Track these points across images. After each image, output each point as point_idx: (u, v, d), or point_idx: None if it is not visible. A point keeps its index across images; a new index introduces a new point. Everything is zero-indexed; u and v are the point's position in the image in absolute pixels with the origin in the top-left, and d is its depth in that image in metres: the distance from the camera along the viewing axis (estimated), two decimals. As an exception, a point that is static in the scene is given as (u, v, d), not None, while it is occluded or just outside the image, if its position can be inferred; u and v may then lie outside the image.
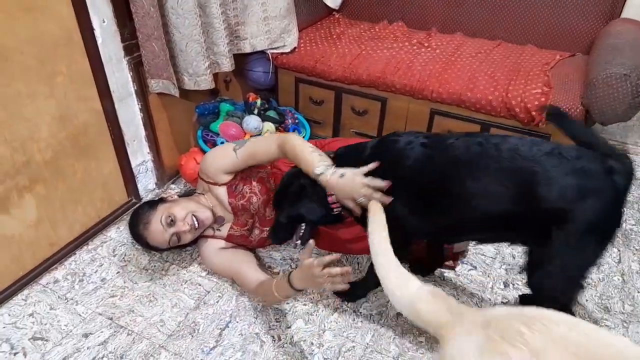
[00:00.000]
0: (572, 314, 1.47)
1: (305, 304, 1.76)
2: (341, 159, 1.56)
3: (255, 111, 2.51)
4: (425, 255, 1.86)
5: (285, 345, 1.61)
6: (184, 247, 1.92)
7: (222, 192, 1.82)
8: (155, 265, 1.91)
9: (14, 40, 1.58)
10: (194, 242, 1.87)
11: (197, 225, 1.74)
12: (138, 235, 1.77)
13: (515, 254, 1.98)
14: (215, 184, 1.83)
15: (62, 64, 1.76)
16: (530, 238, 1.39)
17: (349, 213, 1.56)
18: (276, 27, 2.48)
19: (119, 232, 2.08)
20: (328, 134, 2.66)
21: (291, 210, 1.59)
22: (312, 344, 1.62)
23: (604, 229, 1.30)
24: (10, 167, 1.67)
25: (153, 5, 1.88)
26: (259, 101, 2.54)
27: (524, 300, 1.73)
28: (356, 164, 1.48)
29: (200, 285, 1.83)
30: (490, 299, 1.78)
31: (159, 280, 1.85)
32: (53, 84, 1.75)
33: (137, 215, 1.78)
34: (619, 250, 2.01)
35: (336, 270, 1.39)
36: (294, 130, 2.50)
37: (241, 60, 2.52)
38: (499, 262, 1.94)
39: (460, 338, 0.92)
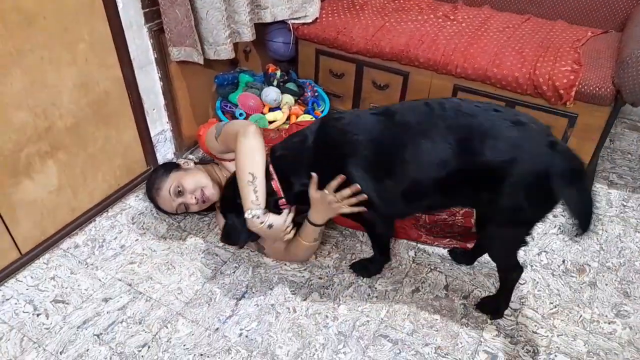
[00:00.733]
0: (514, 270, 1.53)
1: (320, 278, 1.77)
2: (282, 161, 1.53)
3: (275, 83, 2.48)
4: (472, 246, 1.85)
5: (300, 318, 1.62)
6: (199, 214, 1.96)
7: (231, 166, 1.82)
8: (173, 234, 1.93)
9: (37, 5, 1.57)
10: (211, 208, 1.90)
11: (203, 200, 1.80)
12: (151, 197, 1.88)
13: (534, 235, 1.95)
14: (222, 159, 1.88)
15: (84, 30, 1.75)
16: (477, 199, 1.40)
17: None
18: (298, -4, 2.43)
19: (137, 201, 2.10)
20: (347, 107, 2.62)
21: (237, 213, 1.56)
22: (326, 317, 1.63)
23: (535, 196, 1.31)
24: (32, 132, 1.68)
25: (175, -29, 1.85)
26: (278, 73, 2.51)
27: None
28: (301, 164, 1.49)
29: (217, 255, 1.84)
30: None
31: (176, 248, 1.87)
32: (75, 51, 1.74)
33: (152, 179, 1.87)
34: (641, 235, 1.97)
35: (346, 191, 1.42)
36: (312, 104, 2.48)
37: (261, 30, 2.48)
38: (517, 242, 1.92)
39: None
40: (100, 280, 1.73)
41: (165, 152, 2.30)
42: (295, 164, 1.51)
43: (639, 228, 2.00)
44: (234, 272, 1.78)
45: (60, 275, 1.75)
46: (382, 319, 1.63)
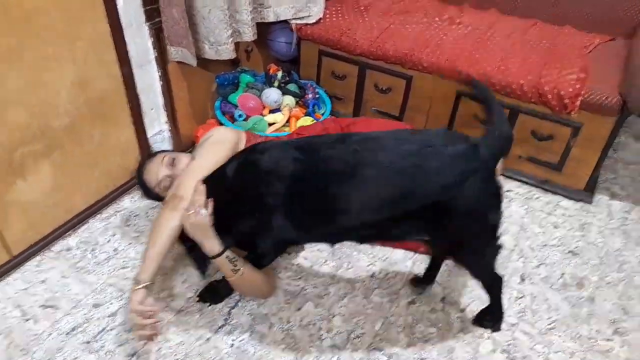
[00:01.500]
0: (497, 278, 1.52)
1: (315, 287, 1.74)
2: (206, 185, 1.46)
3: (276, 84, 2.45)
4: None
5: (293, 329, 1.60)
6: None
7: None
8: (168, 238, 1.90)
9: (37, 1, 1.54)
10: None
11: None
12: (141, 163, 1.84)
13: (534, 246, 1.92)
14: None
15: (84, 28, 1.71)
16: (430, 231, 1.38)
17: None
18: (301, -4, 2.39)
19: (133, 202, 2.07)
20: (349, 110, 2.59)
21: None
22: (320, 328, 1.60)
23: (487, 204, 1.32)
24: (27, 132, 1.65)
25: (175, -30, 1.81)
26: (280, 73, 2.48)
27: None
28: (219, 193, 1.43)
29: (211, 262, 1.81)
30: (505, 293, 1.73)
31: (171, 254, 1.83)
32: (74, 48, 1.71)
33: (152, 153, 1.88)
34: (644, 249, 1.93)
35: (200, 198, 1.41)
36: (313, 106, 2.44)
37: (263, 29, 2.44)
38: (516, 254, 1.89)
39: None
40: (91, 285, 1.71)
41: (162, 152, 2.27)
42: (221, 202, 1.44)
43: (640, 242, 1.97)
44: (228, 279, 1.75)
45: (51, 279, 1.72)
46: (377, 332, 1.60)
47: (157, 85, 2.12)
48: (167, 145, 2.27)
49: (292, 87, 2.48)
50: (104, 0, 1.75)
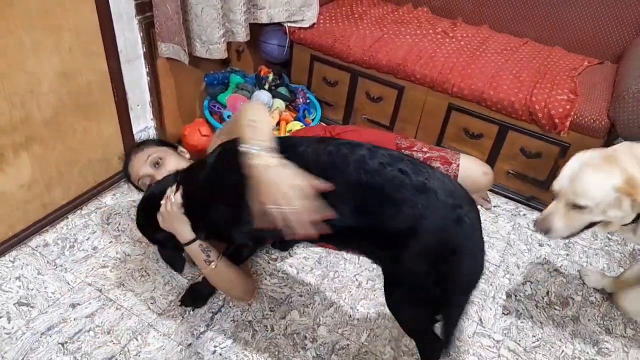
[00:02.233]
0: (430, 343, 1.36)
1: (301, 295, 1.70)
2: (184, 180, 1.44)
3: (267, 86, 2.41)
4: None
5: (277, 337, 1.56)
6: None
7: None
8: (150, 238, 1.85)
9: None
10: None
11: None
12: (128, 152, 1.78)
13: (520, 263, 1.93)
14: None
15: (70, 16, 1.65)
16: (379, 257, 1.27)
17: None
18: (297, -1, 2.37)
19: (114, 199, 2.00)
20: (339, 117, 2.57)
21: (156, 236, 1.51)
22: (305, 337, 1.57)
23: (437, 274, 1.16)
24: (7, 122, 1.58)
25: (171, -36, 1.77)
26: (271, 76, 2.44)
27: None
28: (198, 182, 1.38)
29: (194, 264, 1.76)
30: (491, 309, 1.73)
31: (152, 254, 1.78)
32: (58, 37, 1.64)
33: (143, 140, 1.82)
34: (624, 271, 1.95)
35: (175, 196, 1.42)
36: (304, 111, 2.41)
37: (256, 30, 2.40)
38: (503, 270, 1.89)
39: None
40: (68, 283, 1.64)
41: (147, 149, 2.21)
42: (196, 194, 1.40)
43: (622, 263, 1.99)
44: (211, 283, 1.70)
45: (26, 276, 1.65)
46: (362, 343, 1.57)
47: (145, 81, 2.07)
48: (152, 142, 2.21)
49: (282, 90, 2.45)
50: (93, -10, 1.70)
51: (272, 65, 2.61)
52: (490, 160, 2.23)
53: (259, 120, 1.20)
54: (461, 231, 1.14)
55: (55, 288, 1.62)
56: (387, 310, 1.64)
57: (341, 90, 2.49)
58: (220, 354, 1.49)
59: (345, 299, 1.71)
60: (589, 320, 1.73)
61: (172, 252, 1.54)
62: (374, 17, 2.58)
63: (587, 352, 1.62)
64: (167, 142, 1.85)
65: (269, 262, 1.81)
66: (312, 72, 2.55)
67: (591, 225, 1.38)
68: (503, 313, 1.72)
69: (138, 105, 2.08)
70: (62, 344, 1.46)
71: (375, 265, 1.73)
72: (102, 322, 1.53)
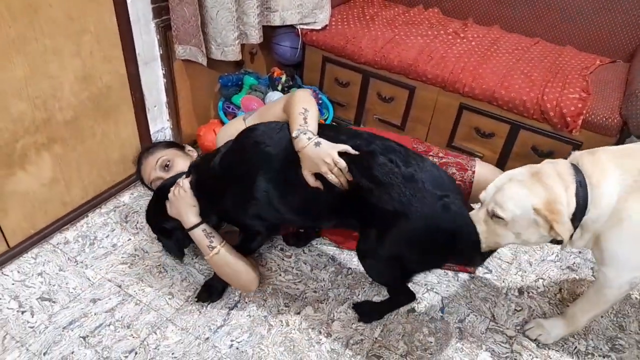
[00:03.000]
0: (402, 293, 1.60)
1: (315, 291, 1.73)
2: (196, 168, 1.58)
3: (280, 87, 2.45)
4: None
5: (293, 332, 1.59)
6: None
7: None
8: (167, 236, 1.89)
9: (44, -8, 1.53)
10: None
11: None
12: (139, 157, 1.87)
13: (532, 261, 1.94)
14: None
15: (90, 21, 1.70)
16: (366, 225, 1.43)
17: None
18: (309, 2, 2.40)
19: (132, 198, 2.05)
20: (350, 117, 2.60)
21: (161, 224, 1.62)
22: (320, 332, 1.60)
23: (418, 252, 1.39)
24: (30, 123, 1.63)
25: (188, -31, 1.82)
26: (283, 77, 2.48)
27: None
28: (208, 168, 1.51)
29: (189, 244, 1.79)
30: (503, 305, 1.75)
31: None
32: (80, 42, 1.69)
33: (153, 144, 1.92)
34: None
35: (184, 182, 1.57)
36: (317, 111, 2.44)
37: (269, 33, 2.44)
38: (515, 267, 1.90)
39: None
40: (89, 279, 1.68)
41: (163, 150, 2.26)
42: (208, 179, 1.53)
43: (635, 261, 1.99)
44: (227, 280, 1.74)
45: (48, 272, 1.70)
46: (376, 339, 1.60)
47: (161, 82, 2.12)
48: (168, 143, 2.26)
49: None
50: (114, -5, 1.75)
51: (285, 66, 2.65)
52: (502, 160, 2.24)
53: (310, 110, 1.43)
54: (448, 216, 1.32)
55: (77, 284, 1.67)
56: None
57: (353, 90, 2.52)
58: (237, 348, 1.52)
59: (358, 295, 1.74)
60: (602, 317, 1.74)
61: (171, 242, 1.64)
62: (385, 18, 2.61)
63: (601, 349, 1.63)
64: (175, 143, 1.92)
65: (283, 259, 1.84)
66: (324, 73, 2.58)
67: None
68: (516, 310, 1.73)
69: (155, 107, 2.13)
70: (84, 338, 1.50)
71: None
72: (122, 317, 1.58)
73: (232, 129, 1.71)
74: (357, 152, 1.35)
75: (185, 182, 1.52)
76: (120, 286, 1.67)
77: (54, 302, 1.60)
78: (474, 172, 1.72)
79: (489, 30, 2.56)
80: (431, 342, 1.60)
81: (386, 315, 1.65)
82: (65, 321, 1.54)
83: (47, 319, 1.54)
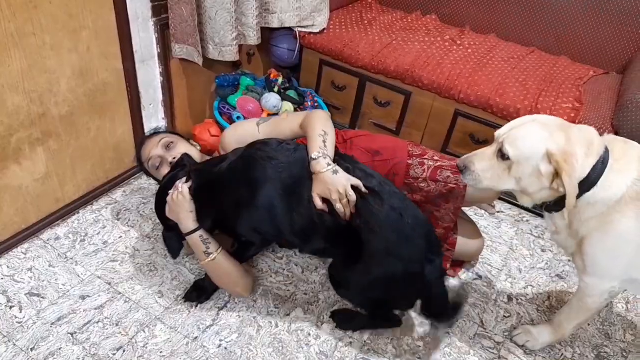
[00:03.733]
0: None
1: (306, 293, 1.74)
2: (197, 173, 1.55)
3: (276, 89, 2.45)
4: None
5: (282, 333, 1.59)
6: None
7: None
8: (158, 235, 1.88)
9: (42, -14, 1.53)
10: None
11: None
12: (143, 138, 1.88)
13: (522, 268, 1.95)
14: None
15: (89, 17, 1.70)
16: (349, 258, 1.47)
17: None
18: (307, 5, 2.41)
19: (125, 196, 2.05)
20: (346, 121, 2.61)
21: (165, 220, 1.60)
22: (309, 334, 1.60)
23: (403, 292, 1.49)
24: (25, 118, 1.63)
25: (188, -32, 1.82)
26: (280, 79, 2.49)
27: None
28: (212, 174, 1.51)
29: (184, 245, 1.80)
30: (492, 311, 1.76)
31: (160, 250, 1.82)
32: (78, 38, 1.69)
33: (155, 131, 1.91)
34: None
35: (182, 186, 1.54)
36: (312, 114, 2.45)
37: (267, 34, 2.45)
38: (505, 274, 1.92)
39: None
40: (79, 276, 1.68)
41: (157, 148, 2.26)
42: (211, 184, 1.52)
43: (624, 271, 2.01)
44: (218, 280, 1.74)
45: (38, 267, 1.69)
46: (365, 342, 1.60)
47: (158, 81, 2.12)
48: (163, 141, 2.26)
49: (291, 93, 2.49)
50: (113, -8, 1.76)
51: (282, 68, 2.66)
52: (495, 167, 2.26)
53: (329, 133, 1.48)
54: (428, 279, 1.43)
55: (66, 280, 1.66)
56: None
57: (349, 94, 2.53)
58: (226, 348, 1.52)
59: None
60: (588, 325, 1.75)
61: (174, 237, 1.59)
62: (383, 24, 2.62)
63: (587, 356, 1.64)
64: (180, 134, 1.92)
65: (275, 261, 1.84)
66: (321, 76, 2.59)
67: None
68: (504, 316, 1.74)
69: (150, 105, 2.13)
70: (72, 334, 1.50)
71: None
72: (111, 314, 1.57)
73: (243, 130, 1.72)
74: (367, 191, 1.41)
75: (184, 188, 1.50)
76: (110, 284, 1.67)
77: (42, 297, 1.59)
78: None
79: (486, 39, 2.58)
80: (420, 347, 1.61)
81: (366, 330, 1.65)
82: (54, 317, 1.54)
83: (35, 315, 1.54)
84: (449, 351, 1.61)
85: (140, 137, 1.92)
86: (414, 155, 1.72)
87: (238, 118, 2.31)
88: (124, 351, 1.47)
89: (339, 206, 1.38)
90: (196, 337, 1.54)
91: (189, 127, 2.34)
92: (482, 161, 1.33)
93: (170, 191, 1.53)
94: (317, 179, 1.41)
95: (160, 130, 1.92)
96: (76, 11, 1.65)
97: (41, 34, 1.57)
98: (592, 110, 2.02)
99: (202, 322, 1.59)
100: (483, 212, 2.20)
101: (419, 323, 1.68)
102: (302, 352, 1.54)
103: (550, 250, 2.05)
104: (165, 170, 1.72)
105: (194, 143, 1.90)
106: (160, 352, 1.48)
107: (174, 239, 1.59)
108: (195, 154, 1.77)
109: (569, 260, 2.01)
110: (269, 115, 2.39)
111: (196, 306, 1.64)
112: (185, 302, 1.64)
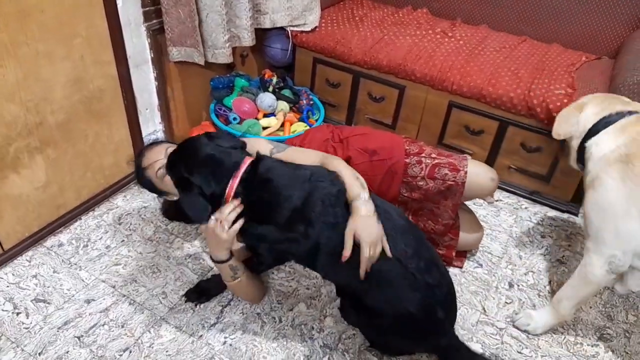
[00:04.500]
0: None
1: (308, 288, 1.75)
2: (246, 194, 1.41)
3: (271, 89, 2.47)
4: None
5: (285, 328, 1.61)
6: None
7: None
8: (160, 237, 1.90)
9: (35, -3, 1.56)
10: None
11: None
12: (142, 149, 1.70)
13: (522, 255, 1.96)
14: None
15: (81, 25, 1.72)
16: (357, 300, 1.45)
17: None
18: (298, 4, 2.43)
19: (125, 201, 2.07)
20: (342, 118, 2.62)
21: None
22: (312, 328, 1.62)
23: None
24: (22, 127, 1.65)
25: (179, -28, 1.84)
26: (274, 79, 2.51)
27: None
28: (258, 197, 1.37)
29: (204, 260, 1.82)
30: (494, 298, 1.77)
31: (163, 252, 1.84)
32: (71, 46, 1.72)
33: (156, 141, 1.76)
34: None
35: (227, 209, 1.34)
36: (307, 112, 2.47)
37: (259, 35, 2.47)
38: (505, 261, 1.93)
39: None
40: (83, 280, 1.70)
41: (156, 152, 2.28)
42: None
43: (624, 253, 2.02)
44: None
45: (42, 274, 1.71)
46: (368, 333, 1.62)
47: (153, 85, 2.14)
48: (161, 145, 2.27)
49: (286, 92, 2.51)
50: (104, 0, 1.77)
51: (276, 68, 2.68)
52: (492, 156, 2.27)
53: (360, 177, 1.41)
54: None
55: (71, 285, 1.68)
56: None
57: (344, 91, 2.55)
58: (231, 345, 1.54)
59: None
60: (590, 307, 1.76)
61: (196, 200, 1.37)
62: (374, 19, 2.64)
63: (589, 338, 1.66)
64: None
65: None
66: (315, 74, 2.61)
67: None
68: (506, 302, 1.76)
69: (147, 109, 2.15)
70: (78, 338, 1.51)
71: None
72: (116, 317, 1.59)
73: (259, 146, 1.57)
74: (391, 256, 1.33)
75: (235, 227, 1.36)
76: (114, 287, 1.69)
77: (48, 303, 1.61)
78: (466, 173, 1.72)
79: (477, 30, 2.59)
80: (423, 336, 1.62)
81: None
82: (60, 322, 1.56)
83: (42, 320, 1.55)
84: (452, 339, 1.62)
85: (141, 147, 1.84)
86: (411, 154, 1.72)
87: (234, 119, 2.33)
88: (131, 352, 1.49)
89: (364, 256, 1.30)
90: (201, 335, 1.56)
91: (186, 130, 2.36)
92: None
93: (215, 219, 1.35)
94: (359, 218, 1.31)
95: (164, 140, 1.91)
96: (68, 19, 1.67)
97: (34, 43, 1.59)
98: (585, 95, 2.03)
99: (206, 320, 1.61)
100: (482, 201, 2.21)
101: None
102: (306, 345, 1.56)
103: (549, 236, 2.07)
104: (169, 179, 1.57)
105: None
106: (166, 352, 1.50)
107: (194, 201, 1.35)
108: None
109: (569, 245, 2.03)
110: (264, 115, 2.41)
111: (200, 305, 1.65)
112: (185, 301, 1.66)
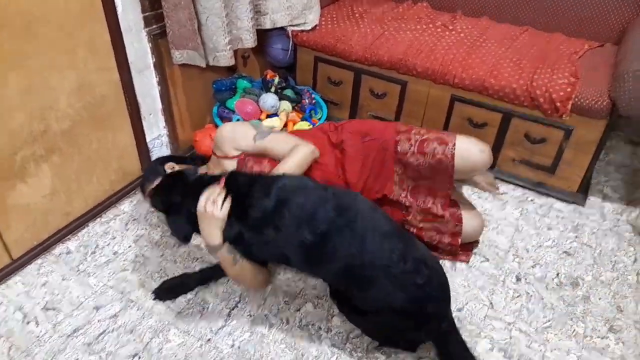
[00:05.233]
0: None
1: (314, 288, 1.76)
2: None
3: (273, 89, 2.47)
4: None
5: (293, 329, 1.61)
6: None
7: (231, 164, 1.80)
8: (167, 242, 1.92)
9: (40, 10, 1.58)
10: None
11: None
12: (152, 162, 1.89)
13: (529, 247, 1.95)
14: (226, 157, 1.81)
15: (84, 34, 1.74)
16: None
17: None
18: (298, 3, 2.43)
19: (132, 206, 2.08)
20: (345, 115, 2.62)
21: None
22: (320, 328, 1.62)
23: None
24: (28, 135, 1.67)
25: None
26: (276, 79, 2.51)
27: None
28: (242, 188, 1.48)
29: (211, 263, 1.83)
30: (501, 292, 1.76)
31: (170, 256, 1.85)
32: (74, 54, 1.73)
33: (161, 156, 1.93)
34: (634, 249, 1.97)
35: (215, 190, 1.46)
36: (310, 111, 2.47)
37: (260, 36, 2.46)
38: (512, 254, 1.92)
39: None
40: (92, 287, 1.72)
41: (160, 157, 2.29)
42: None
43: (632, 242, 2.00)
44: (227, 282, 1.76)
45: (51, 282, 1.73)
46: (375, 331, 1.62)
47: (155, 90, 2.15)
48: (165, 150, 2.29)
49: (288, 92, 2.51)
50: (104, 7, 1.79)
51: (278, 68, 2.68)
52: (496, 148, 2.26)
53: (304, 166, 1.65)
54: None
55: (80, 292, 1.70)
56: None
57: (346, 88, 2.54)
58: (239, 347, 1.55)
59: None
60: (599, 299, 1.75)
61: (181, 220, 1.53)
62: (374, 15, 2.63)
63: (599, 330, 1.64)
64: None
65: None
66: (316, 73, 2.61)
67: None
68: (514, 296, 1.75)
69: (150, 114, 2.16)
70: (88, 345, 1.53)
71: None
72: (124, 322, 1.61)
73: (240, 135, 1.78)
74: None
75: (225, 206, 1.44)
76: (122, 292, 1.70)
77: (58, 311, 1.63)
78: (454, 145, 1.73)
79: (478, 21, 2.57)
80: (430, 333, 1.62)
81: None
82: (70, 329, 1.57)
83: (51, 328, 1.57)
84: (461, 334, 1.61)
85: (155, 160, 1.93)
86: (400, 131, 1.82)
87: (238, 121, 2.33)
88: (140, 357, 1.50)
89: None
90: (209, 339, 1.57)
91: (190, 134, 2.37)
92: None
93: (204, 200, 1.44)
94: None
95: (161, 157, 1.96)
96: (70, 28, 1.68)
97: (39, 55, 1.61)
98: (589, 84, 2.01)
99: (214, 323, 1.62)
100: (487, 194, 2.20)
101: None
102: (314, 345, 1.56)
103: (556, 228, 2.05)
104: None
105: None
106: (175, 356, 1.51)
107: (181, 222, 1.52)
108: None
109: (576, 237, 2.01)
110: (267, 116, 2.41)
111: (207, 308, 1.66)
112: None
